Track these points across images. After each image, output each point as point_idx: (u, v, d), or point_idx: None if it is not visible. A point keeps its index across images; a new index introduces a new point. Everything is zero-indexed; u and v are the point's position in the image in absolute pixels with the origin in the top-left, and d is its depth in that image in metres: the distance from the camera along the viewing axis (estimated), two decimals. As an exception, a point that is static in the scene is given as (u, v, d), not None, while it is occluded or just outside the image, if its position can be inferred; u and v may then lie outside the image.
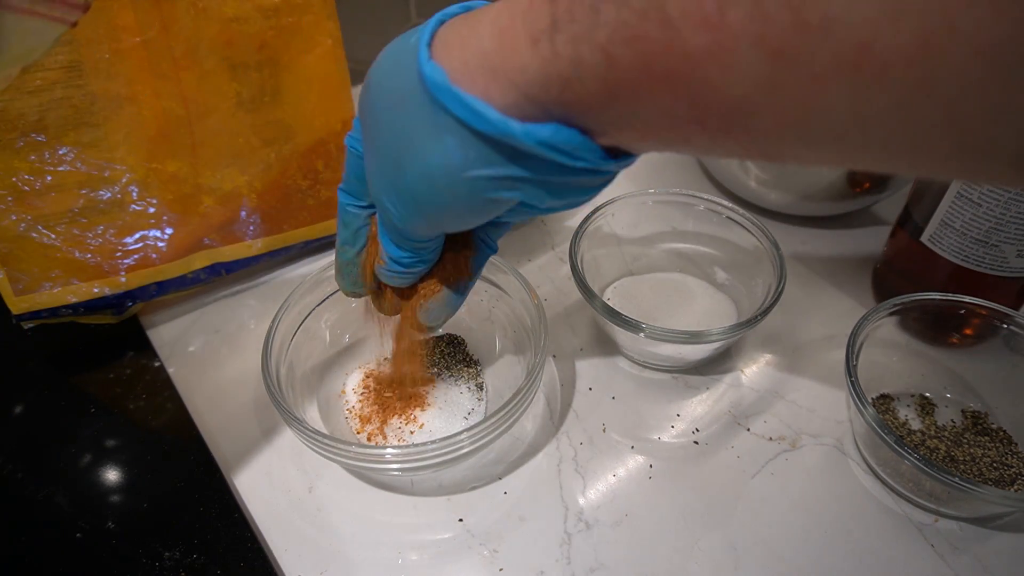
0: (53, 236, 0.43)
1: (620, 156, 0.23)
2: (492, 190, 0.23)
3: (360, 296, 0.36)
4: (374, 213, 0.32)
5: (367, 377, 0.43)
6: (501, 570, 0.35)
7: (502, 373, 0.43)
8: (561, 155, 0.22)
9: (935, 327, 0.42)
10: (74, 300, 0.44)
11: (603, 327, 0.46)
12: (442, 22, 0.23)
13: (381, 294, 0.35)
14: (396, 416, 0.40)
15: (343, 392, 0.42)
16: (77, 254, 0.44)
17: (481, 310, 0.46)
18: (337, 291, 0.44)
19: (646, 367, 0.45)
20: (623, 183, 0.60)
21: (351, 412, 0.41)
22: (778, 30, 0.15)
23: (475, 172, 0.23)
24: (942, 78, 0.14)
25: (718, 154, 0.21)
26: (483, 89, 0.21)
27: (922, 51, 0.14)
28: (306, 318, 0.42)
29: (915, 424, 0.41)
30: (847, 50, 0.15)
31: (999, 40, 0.13)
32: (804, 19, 0.15)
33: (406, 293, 0.34)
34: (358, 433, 0.40)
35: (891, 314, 0.40)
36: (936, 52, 0.14)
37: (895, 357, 0.42)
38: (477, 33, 0.22)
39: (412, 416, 0.40)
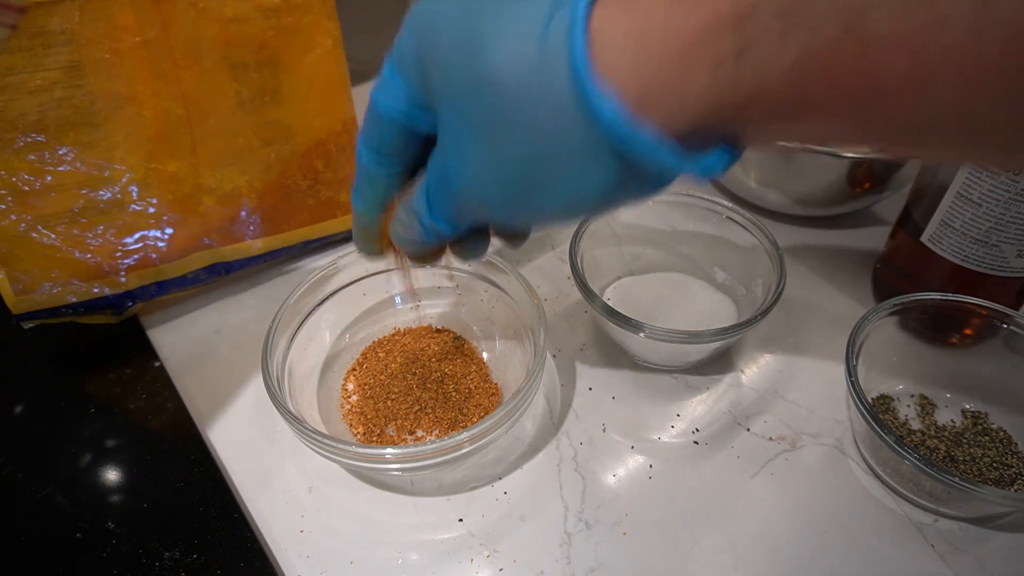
0: (53, 236, 0.43)
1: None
2: (620, 205, 0.23)
3: (379, 258, 0.34)
4: (405, 177, 0.29)
5: (367, 377, 0.43)
6: (501, 570, 0.35)
7: (502, 373, 0.43)
8: (709, 177, 0.21)
9: (935, 327, 0.42)
10: (74, 300, 0.44)
11: (603, 327, 0.46)
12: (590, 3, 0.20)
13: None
14: (395, 419, 0.40)
15: (343, 392, 0.42)
16: (77, 254, 0.44)
17: (481, 310, 0.46)
18: (337, 291, 0.44)
19: (646, 367, 0.45)
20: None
21: (351, 412, 0.41)
22: (989, 56, 0.16)
23: (623, 197, 0.22)
24: None
25: (838, 145, 0.22)
26: (659, 116, 0.20)
27: None
28: (306, 318, 0.42)
29: (915, 424, 0.41)
30: None
31: None
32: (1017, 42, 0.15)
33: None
34: (358, 433, 0.40)
35: (891, 314, 0.40)
36: None
37: (895, 357, 0.42)
38: (648, 47, 0.19)
39: (412, 417, 0.40)
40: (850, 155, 0.46)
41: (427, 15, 0.24)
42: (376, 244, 0.32)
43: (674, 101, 0.19)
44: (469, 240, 0.30)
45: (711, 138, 0.20)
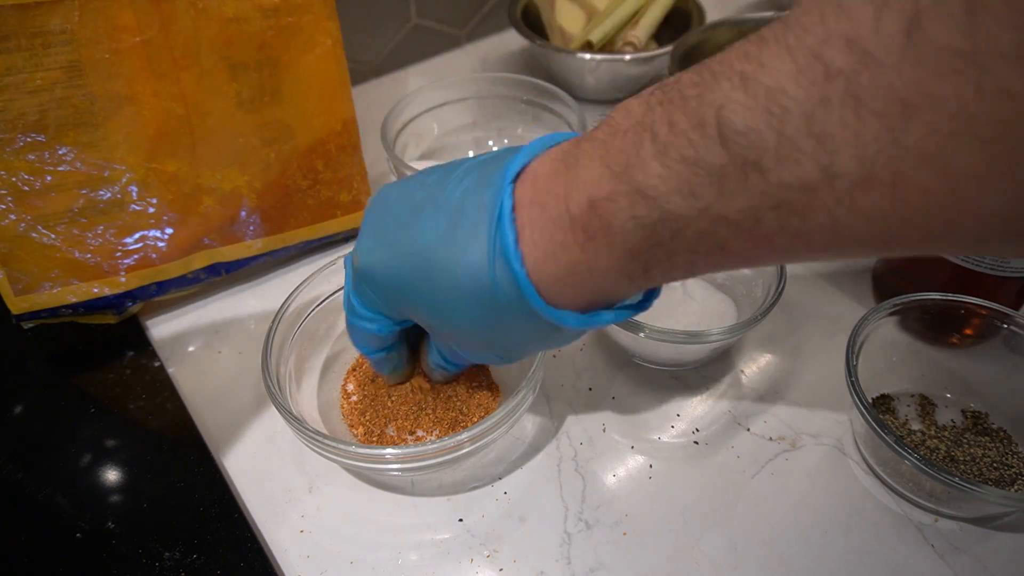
0: (53, 236, 0.43)
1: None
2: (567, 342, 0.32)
3: (405, 380, 0.41)
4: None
5: (367, 377, 0.43)
6: (501, 570, 0.35)
7: (502, 374, 0.43)
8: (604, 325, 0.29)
9: (935, 327, 0.42)
10: (74, 300, 0.44)
11: (603, 327, 0.45)
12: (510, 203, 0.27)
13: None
14: (395, 419, 0.40)
15: (343, 392, 0.42)
16: (77, 254, 0.44)
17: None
18: (337, 291, 0.44)
19: (646, 367, 0.45)
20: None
21: (351, 412, 0.41)
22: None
23: (572, 333, 0.30)
24: None
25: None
26: (567, 299, 0.27)
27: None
28: (306, 318, 0.42)
29: (915, 424, 0.41)
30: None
31: None
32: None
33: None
34: (358, 433, 0.40)
35: (891, 314, 0.40)
36: None
37: (895, 357, 0.42)
38: (574, 284, 0.27)
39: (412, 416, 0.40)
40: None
41: (383, 276, 0.31)
42: (396, 375, 0.40)
43: (591, 296, 0.27)
44: None
45: (608, 304, 0.28)
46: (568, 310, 0.27)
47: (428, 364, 0.38)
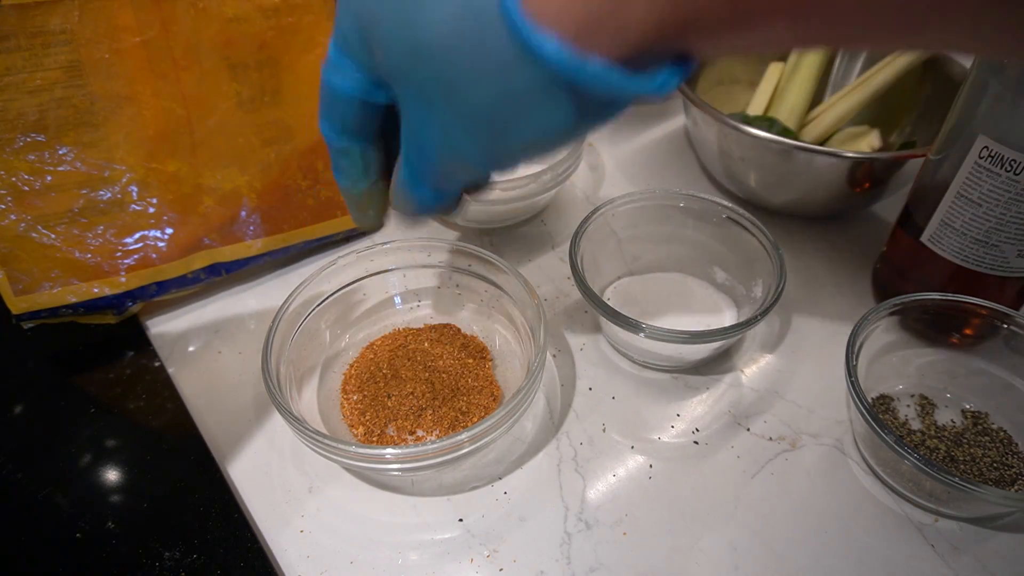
0: (53, 236, 0.43)
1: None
2: (590, 130, 0.24)
3: (381, 226, 0.35)
4: (378, 145, 0.31)
5: (367, 377, 0.43)
6: (501, 570, 0.35)
7: (502, 373, 0.43)
8: (663, 93, 0.21)
9: (935, 327, 0.42)
10: (74, 300, 0.44)
11: (603, 327, 0.46)
12: None
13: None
14: (395, 420, 0.40)
15: (343, 392, 0.42)
16: (77, 254, 0.44)
17: (481, 310, 0.46)
18: (337, 291, 0.44)
19: (646, 367, 0.45)
20: (623, 183, 0.60)
21: (351, 412, 0.41)
22: None
23: (590, 123, 0.23)
24: None
25: (783, 46, 0.20)
26: (602, 48, 0.20)
27: None
28: (306, 318, 0.42)
29: (915, 424, 0.41)
30: None
31: None
32: None
33: None
34: (358, 433, 0.40)
35: (891, 314, 0.40)
36: None
37: (895, 357, 0.42)
38: None
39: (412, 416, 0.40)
40: (850, 155, 0.46)
41: None
42: (372, 215, 0.33)
43: (614, 29, 0.19)
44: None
45: (660, 56, 0.20)
46: (552, 32, 0.19)
47: (394, 185, 0.30)
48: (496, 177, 0.29)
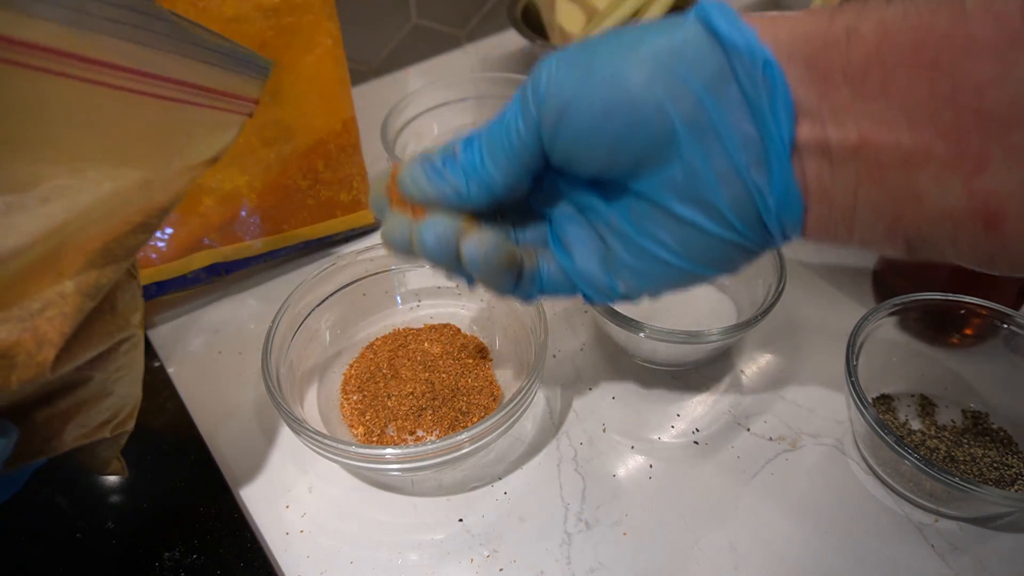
0: (53, 236, 0.43)
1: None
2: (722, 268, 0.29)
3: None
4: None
5: (367, 377, 0.43)
6: (501, 570, 0.35)
7: (502, 373, 0.43)
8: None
9: (935, 327, 0.42)
10: (74, 300, 0.44)
11: (603, 327, 0.46)
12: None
13: None
14: (395, 420, 0.40)
15: (343, 392, 0.42)
16: (77, 254, 0.44)
17: (481, 310, 0.46)
18: (337, 291, 0.44)
19: (646, 367, 0.45)
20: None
21: (351, 412, 0.41)
22: None
23: (732, 251, 0.26)
24: None
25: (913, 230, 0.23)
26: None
27: None
28: (306, 318, 0.42)
29: (915, 424, 0.41)
30: None
31: None
32: None
33: None
34: (358, 433, 0.40)
35: (891, 314, 0.40)
36: None
37: (895, 357, 0.42)
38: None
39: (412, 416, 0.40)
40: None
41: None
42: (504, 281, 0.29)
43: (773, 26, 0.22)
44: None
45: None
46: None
47: (555, 272, 0.29)
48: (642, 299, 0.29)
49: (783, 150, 0.22)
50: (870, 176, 0.21)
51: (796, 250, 0.53)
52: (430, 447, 0.34)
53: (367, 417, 0.40)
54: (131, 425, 0.33)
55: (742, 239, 0.25)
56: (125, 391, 0.32)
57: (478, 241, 0.26)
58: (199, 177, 0.31)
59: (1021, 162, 0.18)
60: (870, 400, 0.41)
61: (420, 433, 0.40)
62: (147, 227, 0.28)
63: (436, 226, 0.26)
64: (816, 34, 0.20)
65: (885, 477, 0.38)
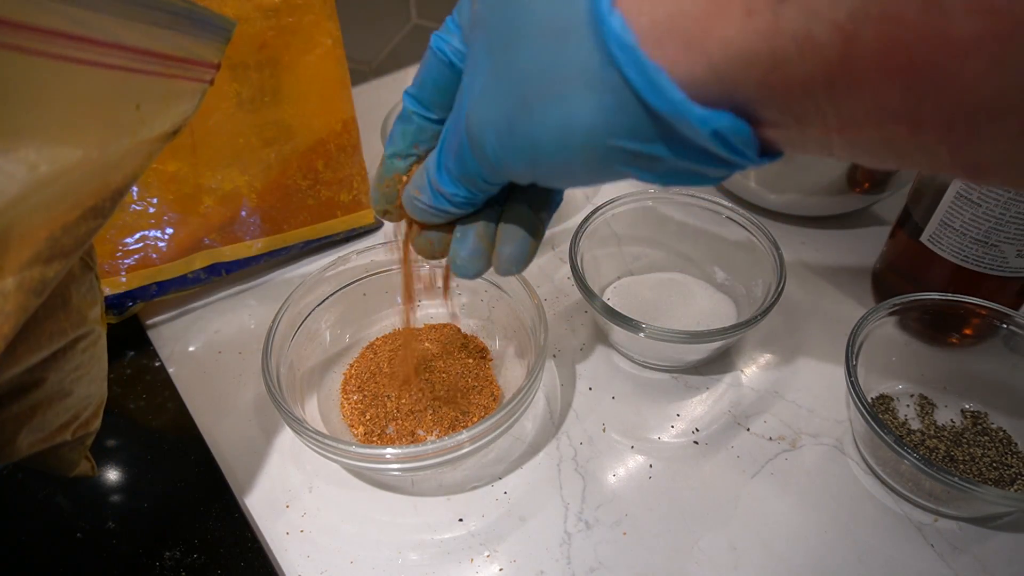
0: (53, 236, 0.43)
1: (768, 154, 0.20)
2: (625, 164, 0.21)
3: (392, 218, 0.31)
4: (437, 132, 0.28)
5: (367, 377, 0.43)
6: (501, 570, 0.35)
7: (502, 373, 0.43)
8: (723, 148, 0.19)
9: (935, 327, 0.42)
10: (74, 300, 0.44)
11: (603, 327, 0.46)
12: None
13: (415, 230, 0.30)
14: (396, 420, 0.40)
15: (343, 392, 0.42)
16: (77, 254, 0.44)
17: (481, 310, 0.46)
18: (337, 291, 0.44)
19: (646, 367, 0.45)
20: (623, 183, 0.60)
21: (351, 412, 0.41)
22: None
23: (620, 143, 0.20)
24: None
25: (895, 162, 0.18)
26: (670, 58, 0.18)
27: None
28: (306, 318, 0.42)
29: (915, 424, 0.41)
30: None
31: None
32: None
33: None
34: (358, 433, 0.40)
35: (891, 314, 0.40)
36: None
37: (895, 357, 0.42)
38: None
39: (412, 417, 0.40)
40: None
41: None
42: (387, 200, 0.30)
43: (695, 46, 0.17)
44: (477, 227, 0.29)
45: (735, 104, 0.18)
46: (626, 15, 0.18)
47: (415, 175, 0.29)
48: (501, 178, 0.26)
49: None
50: (846, 143, 0.18)
51: (796, 250, 0.53)
52: (430, 447, 0.34)
53: (367, 417, 0.40)
54: (96, 425, 0.31)
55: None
56: (86, 391, 0.29)
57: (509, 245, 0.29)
58: (157, 153, 0.28)
59: (1009, 141, 0.17)
60: (869, 400, 0.41)
61: (420, 433, 0.40)
62: (100, 211, 0.25)
63: (467, 242, 0.29)
64: (760, 53, 0.17)
65: (885, 477, 0.38)
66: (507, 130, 0.22)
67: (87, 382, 0.29)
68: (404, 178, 0.29)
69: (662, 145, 0.20)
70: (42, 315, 0.25)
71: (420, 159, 0.29)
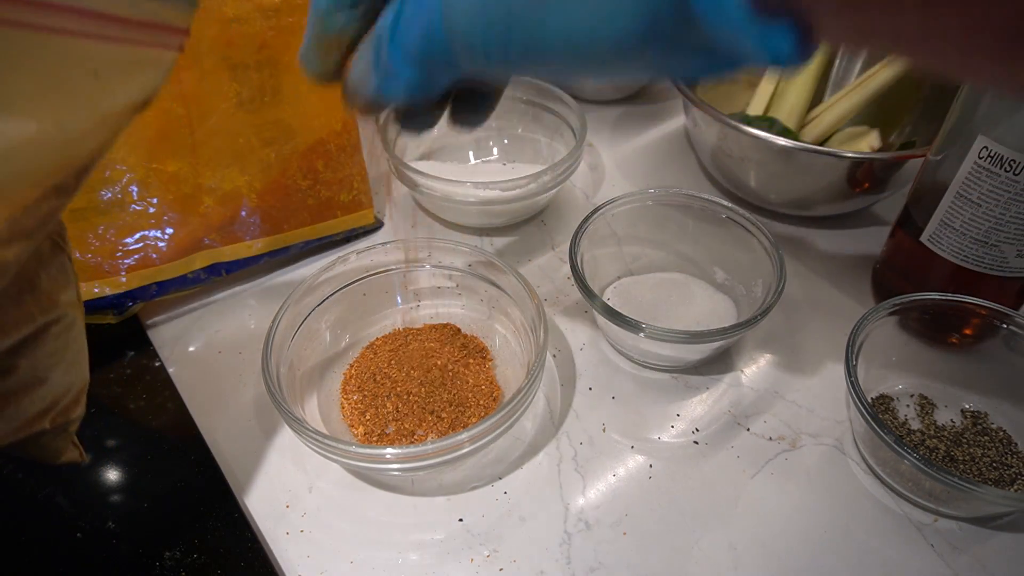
0: (53, 236, 0.43)
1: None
2: (644, 70, 0.18)
3: (328, 82, 0.26)
4: None
5: (367, 377, 0.43)
6: (501, 570, 0.35)
7: (502, 373, 0.43)
8: (768, 59, 0.15)
9: (935, 327, 0.42)
10: (74, 300, 0.44)
11: (603, 327, 0.46)
12: None
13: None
14: (395, 421, 0.40)
15: (343, 392, 0.42)
16: (77, 254, 0.44)
17: (481, 310, 0.46)
18: (337, 291, 0.44)
19: (646, 367, 0.45)
20: (623, 183, 0.60)
21: (351, 412, 0.41)
22: None
23: (653, 55, 0.16)
24: None
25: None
26: None
27: None
28: (306, 318, 0.42)
29: (914, 424, 0.41)
30: None
31: None
32: None
33: None
34: (358, 433, 0.40)
35: (891, 314, 0.40)
36: None
37: (895, 357, 0.42)
38: None
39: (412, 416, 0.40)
40: (850, 155, 0.46)
41: None
42: (322, 59, 0.25)
43: None
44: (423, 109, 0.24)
45: (779, 12, 0.15)
46: None
47: (366, 43, 0.23)
48: (499, 78, 0.22)
49: None
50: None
51: (796, 250, 0.53)
52: (430, 447, 0.34)
53: (367, 417, 0.40)
54: (78, 412, 0.30)
55: None
56: (63, 378, 0.28)
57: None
58: (125, 126, 0.25)
59: None
60: (869, 400, 0.41)
61: (420, 433, 0.40)
62: (64, 190, 0.23)
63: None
64: None
65: (884, 477, 0.38)
66: (503, 24, 0.18)
67: (64, 369, 0.28)
68: (342, 40, 0.24)
69: (698, 56, 0.17)
70: (6, 301, 0.24)
71: (368, 18, 0.23)
